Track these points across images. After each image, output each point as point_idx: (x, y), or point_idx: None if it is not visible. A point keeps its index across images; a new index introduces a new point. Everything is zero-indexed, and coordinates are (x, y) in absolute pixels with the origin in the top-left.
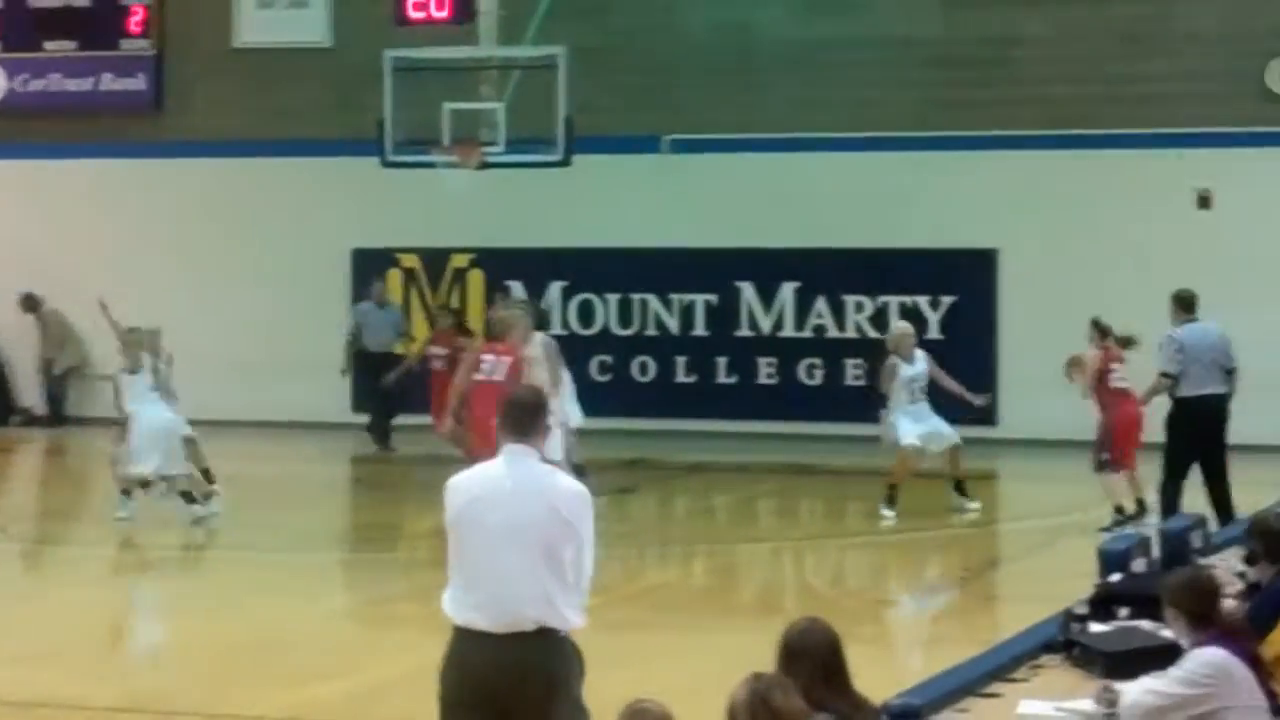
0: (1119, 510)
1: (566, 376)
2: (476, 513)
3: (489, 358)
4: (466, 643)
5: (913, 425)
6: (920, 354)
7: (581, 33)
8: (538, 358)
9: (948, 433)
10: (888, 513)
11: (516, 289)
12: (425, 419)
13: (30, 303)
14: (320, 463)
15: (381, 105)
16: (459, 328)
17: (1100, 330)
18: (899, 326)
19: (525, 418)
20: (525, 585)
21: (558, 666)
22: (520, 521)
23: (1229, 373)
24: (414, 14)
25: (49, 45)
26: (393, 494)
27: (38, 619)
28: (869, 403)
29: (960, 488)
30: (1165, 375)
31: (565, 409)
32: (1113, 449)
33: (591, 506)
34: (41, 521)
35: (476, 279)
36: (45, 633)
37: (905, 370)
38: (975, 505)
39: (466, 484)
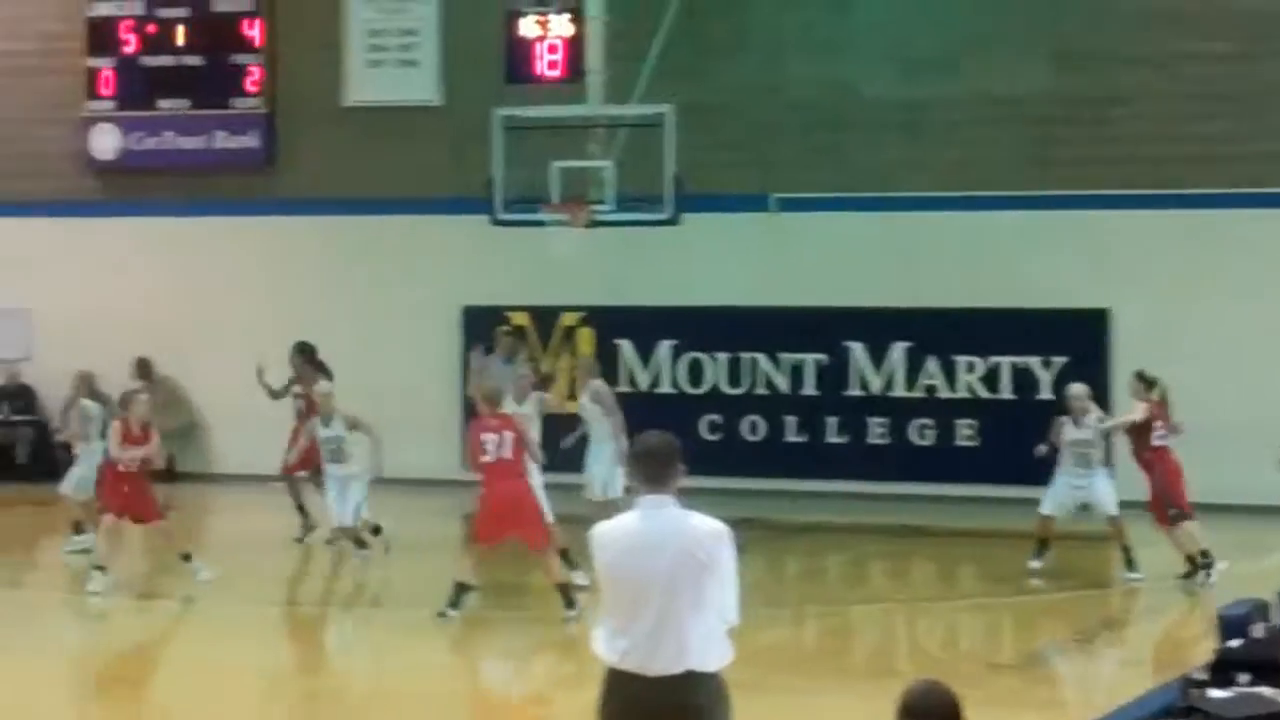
0: (1191, 560)
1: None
2: (622, 564)
3: (491, 436)
4: (619, 683)
5: (1054, 493)
6: (1093, 418)
7: (688, 91)
8: (593, 408)
9: (1102, 505)
10: (1034, 563)
11: (625, 347)
12: None
13: (144, 369)
14: (432, 518)
15: (491, 163)
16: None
17: (1146, 383)
18: (1071, 388)
19: (659, 466)
20: (672, 633)
21: (708, 706)
22: (663, 570)
23: None
24: (524, 73)
25: (163, 104)
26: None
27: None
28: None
29: (1126, 557)
30: None
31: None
32: (1179, 500)
33: (730, 542)
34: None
35: (586, 337)
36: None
37: (1070, 432)
38: (1137, 575)
39: (610, 535)
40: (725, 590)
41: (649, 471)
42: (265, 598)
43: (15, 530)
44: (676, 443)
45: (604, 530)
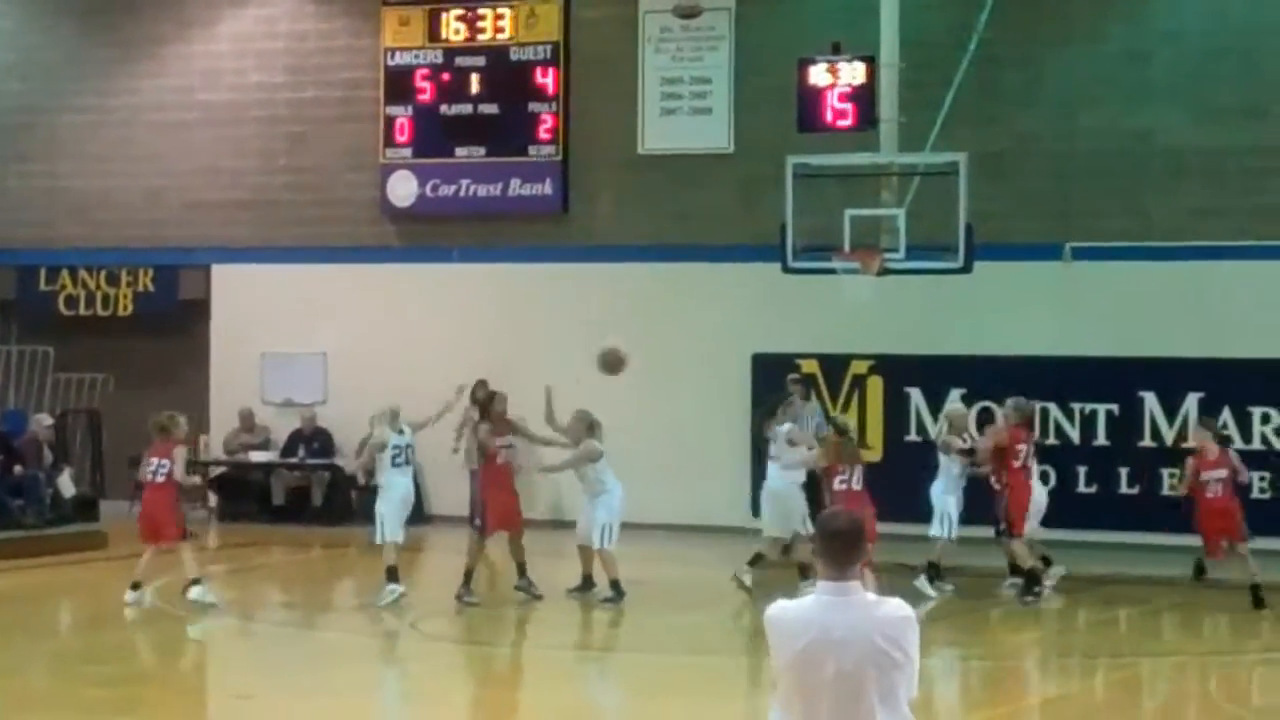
0: None
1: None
2: (804, 660)
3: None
4: None
5: None
6: None
7: (981, 139)
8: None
9: None
10: None
11: (915, 396)
12: None
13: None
14: (721, 566)
15: (782, 211)
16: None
17: None
18: None
19: (845, 548)
20: None
21: None
22: (852, 667)
23: None
24: (815, 121)
25: (459, 151)
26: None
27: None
28: None
29: None
30: None
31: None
32: None
33: (916, 627)
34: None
35: (876, 386)
36: None
37: None
38: None
39: (790, 626)
40: (913, 682)
41: (834, 554)
42: None
43: (311, 571)
44: (863, 525)
45: (781, 614)
